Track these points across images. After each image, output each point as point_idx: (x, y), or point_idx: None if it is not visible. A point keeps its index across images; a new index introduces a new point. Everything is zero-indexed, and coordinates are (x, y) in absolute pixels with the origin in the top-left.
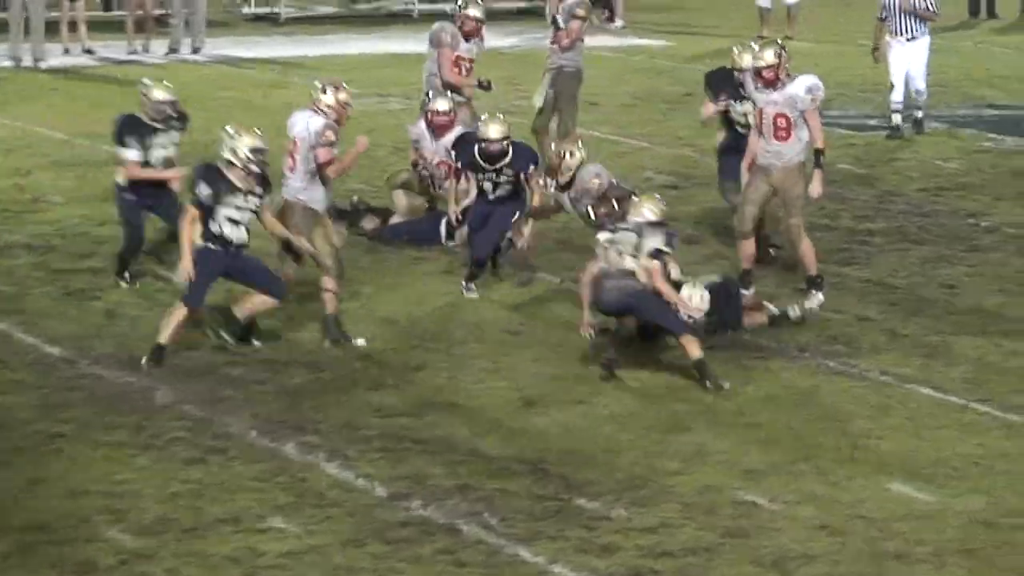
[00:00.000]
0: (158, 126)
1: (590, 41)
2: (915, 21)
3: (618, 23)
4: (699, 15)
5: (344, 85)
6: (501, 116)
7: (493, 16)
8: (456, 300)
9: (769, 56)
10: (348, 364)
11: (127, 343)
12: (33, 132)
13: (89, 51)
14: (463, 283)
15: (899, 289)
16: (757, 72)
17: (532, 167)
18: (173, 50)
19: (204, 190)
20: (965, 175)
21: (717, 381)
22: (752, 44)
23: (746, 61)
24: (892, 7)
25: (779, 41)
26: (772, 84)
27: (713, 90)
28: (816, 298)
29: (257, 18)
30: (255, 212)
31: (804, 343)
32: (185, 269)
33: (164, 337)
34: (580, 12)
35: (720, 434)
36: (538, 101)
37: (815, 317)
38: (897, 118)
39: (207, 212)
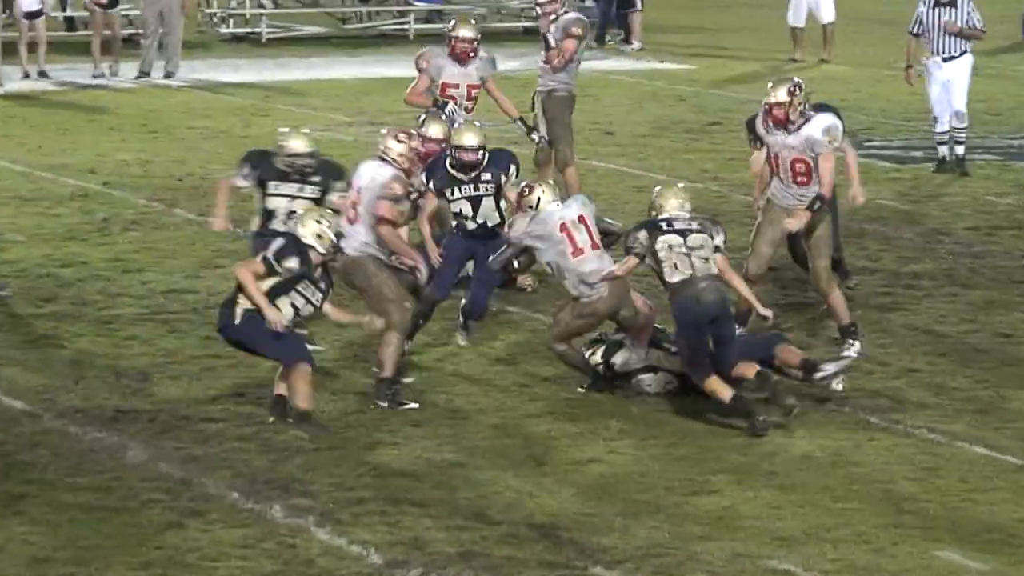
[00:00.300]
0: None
1: (605, 64)
2: (954, 38)
3: (635, 45)
4: (724, 36)
5: (414, 132)
6: (478, 124)
7: (495, 37)
8: (454, 349)
9: (781, 94)
10: (340, 419)
11: (95, 396)
12: None
13: (43, 74)
14: (460, 330)
15: (948, 338)
16: (767, 111)
17: (513, 169)
18: (144, 73)
19: (293, 264)
20: (1021, 212)
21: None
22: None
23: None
24: (928, 21)
25: (796, 79)
26: (783, 124)
27: (756, 136)
28: (852, 348)
29: (236, 39)
30: (315, 307)
31: (844, 397)
32: (275, 320)
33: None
34: (576, 31)
35: (750, 496)
36: (537, 136)
37: (848, 371)
38: (943, 150)
39: (276, 287)
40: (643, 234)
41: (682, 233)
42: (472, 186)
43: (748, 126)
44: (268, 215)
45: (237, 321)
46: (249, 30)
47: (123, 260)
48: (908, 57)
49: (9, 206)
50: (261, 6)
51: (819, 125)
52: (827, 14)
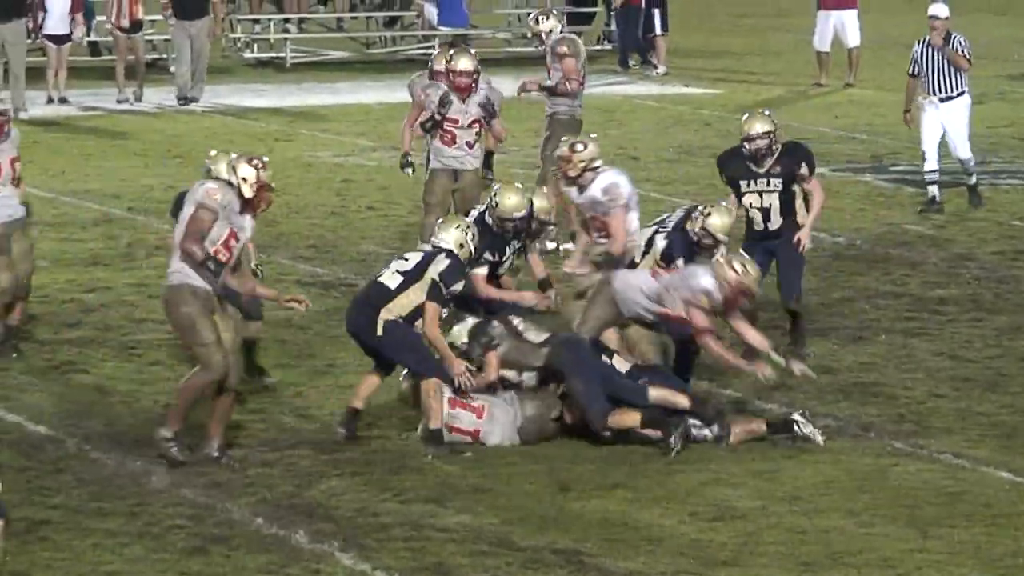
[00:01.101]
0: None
1: (630, 89)
2: (951, 77)
3: (660, 69)
4: (749, 60)
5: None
6: (519, 185)
7: (519, 62)
8: None
9: (563, 150)
10: (363, 444)
11: (119, 421)
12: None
13: (64, 100)
14: None
15: (973, 363)
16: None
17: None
18: (183, 99)
19: (459, 288)
20: None
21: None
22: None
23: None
24: (925, 61)
25: (583, 140)
26: (571, 182)
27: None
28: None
29: (261, 63)
30: None
31: (868, 422)
32: (460, 372)
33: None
34: (563, 49)
35: (775, 521)
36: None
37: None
38: (933, 189)
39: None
40: (496, 324)
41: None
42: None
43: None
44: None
45: (379, 332)
46: (273, 55)
47: (147, 286)
48: (907, 100)
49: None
50: (286, 31)
51: (600, 184)
52: (853, 38)
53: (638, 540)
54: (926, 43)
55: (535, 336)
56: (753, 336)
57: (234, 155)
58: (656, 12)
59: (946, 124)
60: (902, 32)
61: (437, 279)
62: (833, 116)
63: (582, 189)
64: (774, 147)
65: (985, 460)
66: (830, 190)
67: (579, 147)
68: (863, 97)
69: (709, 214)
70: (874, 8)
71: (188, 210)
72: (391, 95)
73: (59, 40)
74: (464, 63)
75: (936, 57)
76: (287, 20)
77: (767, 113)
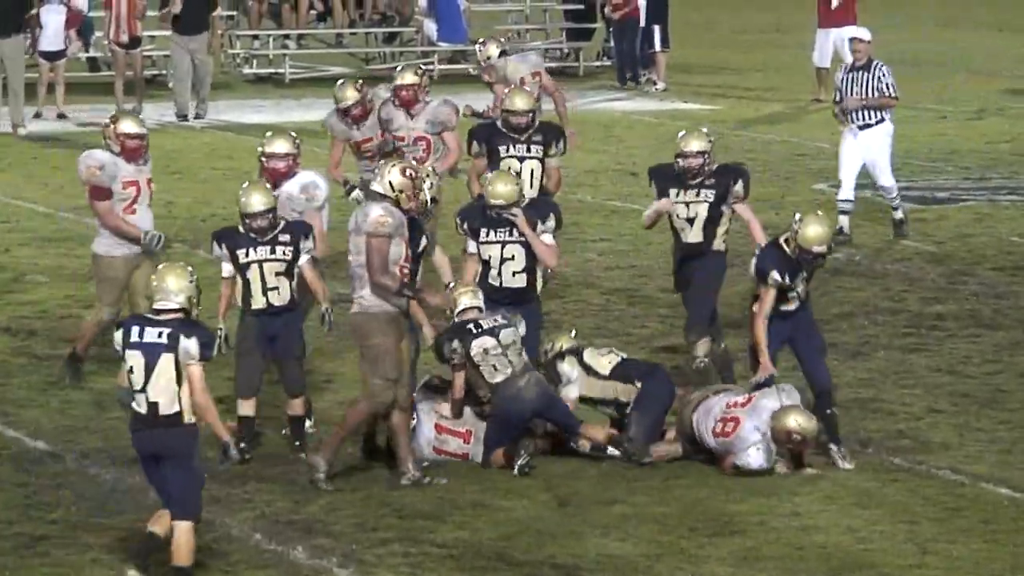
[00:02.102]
0: None
1: (628, 105)
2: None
3: (659, 85)
4: (749, 77)
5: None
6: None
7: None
8: None
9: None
10: (361, 459)
11: (117, 436)
12: (11, 205)
13: (62, 116)
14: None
15: (972, 379)
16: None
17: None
18: (182, 116)
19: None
20: None
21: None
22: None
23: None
24: (844, 87)
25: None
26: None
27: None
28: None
29: (260, 79)
30: None
31: (867, 437)
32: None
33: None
34: (487, 77)
35: (773, 537)
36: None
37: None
38: (844, 220)
39: None
40: (456, 343)
41: (492, 332)
42: (508, 231)
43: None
44: (247, 287)
45: None
46: (272, 71)
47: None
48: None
49: (31, 246)
50: (285, 47)
51: (299, 181)
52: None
53: (636, 556)
54: (846, 69)
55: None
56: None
57: (384, 164)
58: (656, 28)
59: (865, 153)
60: (899, 48)
61: None
62: (832, 132)
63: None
64: (706, 167)
65: (984, 476)
66: (829, 204)
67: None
68: None
69: (800, 226)
70: (870, 25)
71: (357, 241)
72: None
73: (54, 56)
74: (408, 77)
75: (857, 83)
76: (286, 36)
77: (706, 132)
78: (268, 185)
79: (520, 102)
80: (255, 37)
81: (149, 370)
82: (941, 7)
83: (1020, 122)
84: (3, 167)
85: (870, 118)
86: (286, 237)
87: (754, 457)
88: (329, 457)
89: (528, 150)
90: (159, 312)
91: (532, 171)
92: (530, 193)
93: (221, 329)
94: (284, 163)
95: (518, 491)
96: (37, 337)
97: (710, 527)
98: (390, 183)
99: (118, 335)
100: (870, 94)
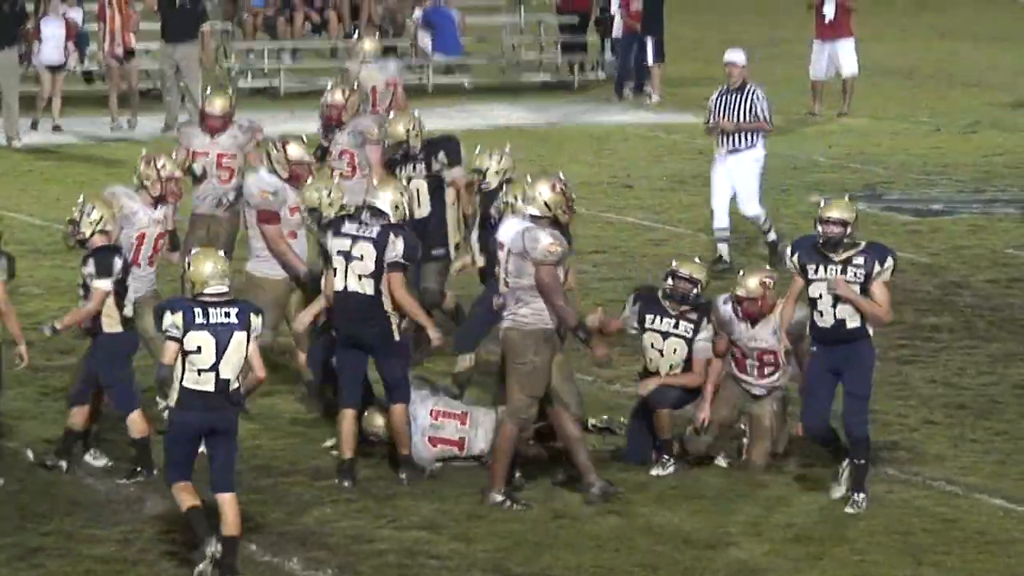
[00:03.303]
0: None
1: (624, 118)
2: (740, 130)
3: (654, 98)
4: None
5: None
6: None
7: (514, 91)
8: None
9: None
10: (357, 471)
11: (112, 447)
12: (6, 217)
13: (57, 128)
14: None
15: (967, 390)
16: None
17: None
18: (170, 127)
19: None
20: None
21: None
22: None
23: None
24: (716, 108)
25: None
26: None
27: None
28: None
29: (255, 92)
30: None
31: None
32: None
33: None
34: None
35: (768, 549)
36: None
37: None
38: (722, 248)
39: None
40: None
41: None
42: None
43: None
44: None
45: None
46: (267, 84)
47: None
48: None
49: (27, 259)
50: (280, 59)
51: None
52: (848, 67)
53: (632, 567)
54: (720, 92)
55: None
56: None
57: (532, 183)
58: (650, 40)
59: (732, 178)
60: (894, 61)
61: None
62: (827, 145)
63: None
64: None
65: (979, 487)
66: None
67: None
68: (856, 126)
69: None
70: (868, 37)
71: (521, 264)
72: None
73: (54, 69)
74: (336, 96)
75: (729, 106)
76: (281, 49)
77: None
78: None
79: (399, 128)
80: (250, 50)
81: (221, 349)
82: (936, 19)
83: (1015, 135)
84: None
85: (739, 143)
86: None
87: None
88: (501, 486)
89: (414, 169)
90: (213, 295)
91: (418, 190)
92: (419, 212)
93: None
94: (336, 112)
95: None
96: (32, 349)
97: (705, 539)
98: (545, 202)
99: (175, 318)
100: (742, 118)
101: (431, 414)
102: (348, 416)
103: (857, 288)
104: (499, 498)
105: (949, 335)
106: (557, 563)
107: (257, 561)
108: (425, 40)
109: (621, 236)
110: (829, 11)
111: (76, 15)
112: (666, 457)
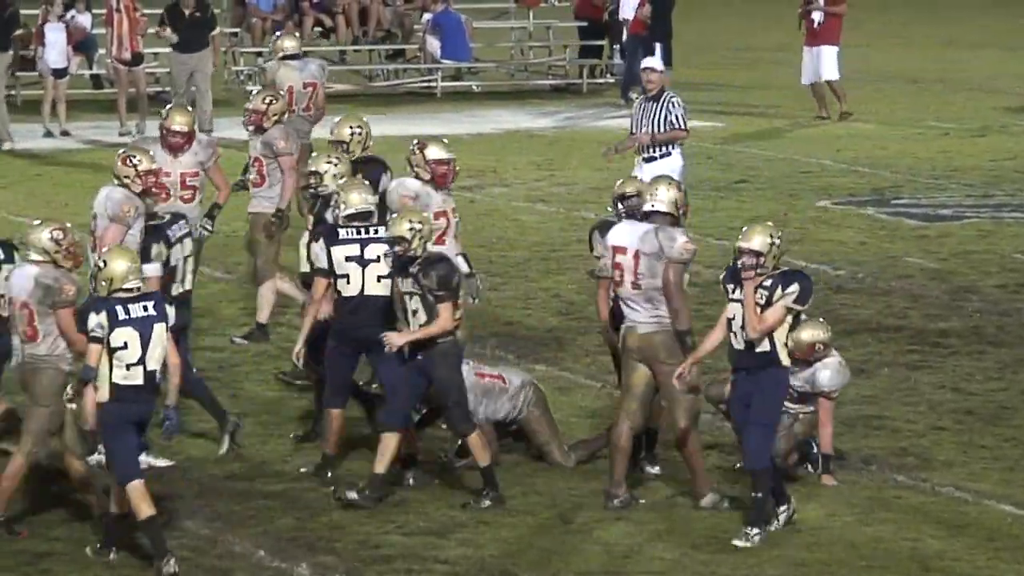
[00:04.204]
0: None
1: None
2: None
3: None
4: (751, 94)
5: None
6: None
7: (522, 95)
8: None
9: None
10: (364, 476)
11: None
12: (14, 223)
13: (65, 133)
14: None
15: (976, 396)
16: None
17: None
18: None
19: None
20: None
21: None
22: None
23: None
24: (638, 117)
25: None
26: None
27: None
28: None
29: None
30: None
31: (870, 455)
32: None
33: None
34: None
35: (776, 554)
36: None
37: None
38: None
39: None
40: None
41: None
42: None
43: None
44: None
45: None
46: None
47: None
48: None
49: None
50: None
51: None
52: (828, 72)
53: (639, 573)
54: (640, 101)
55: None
56: None
57: (654, 182)
58: (658, 46)
59: None
60: (902, 66)
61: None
62: (835, 150)
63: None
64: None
65: (987, 493)
66: (833, 221)
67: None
68: (864, 131)
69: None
70: (875, 43)
71: (654, 264)
72: (393, 128)
73: (58, 74)
74: (255, 102)
75: (647, 115)
76: None
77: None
78: None
79: (344, 130)
80: (258, 54)
81: (146, 342)
82: (942, 27)
83: (1023, 139)
84: (4, 184)
85: (655, 151)
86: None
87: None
88: (703, 489)
89: None
90: (130, 291)
91: None
92: None
93: None
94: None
95: (522, 508)
96: None
97: (713, 544)
98: (674, 201)
99: (100, 318)
100: (659, 126)
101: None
102: (336, 416)
103: (758, 310)
104: (714, 500)
105: (957, 340)
106: (565, 569)
107: (265, 567)
108: (434, 45)
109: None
110: (817, 17)
111: (85, 20)
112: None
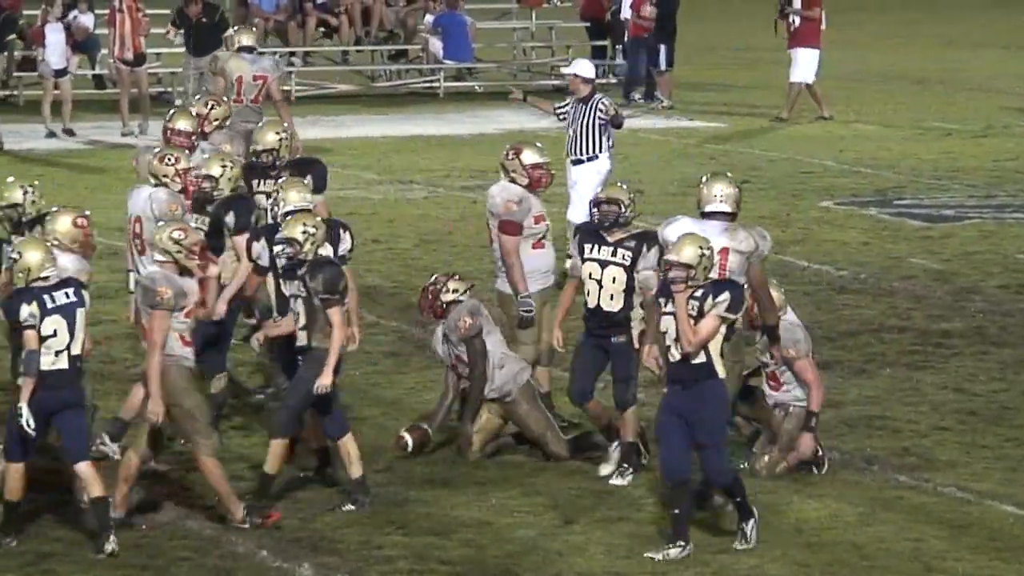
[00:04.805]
0: None
1: (634, 123)
2: (583, 140)
3: (665, 103)
4: (753, 94)
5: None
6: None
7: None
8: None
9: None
10: (368, 478)
11: (124, 453)
12: None
13: (70, 132)
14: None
15: (978, 396)
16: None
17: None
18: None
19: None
20: None
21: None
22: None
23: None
24: (569, 120)
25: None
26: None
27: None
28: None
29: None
30: None
31: (873, 455)
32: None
33: None
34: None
35: (778, 554)
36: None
37: None
38: (569, 263)
39: None
40: None
41: None
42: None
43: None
44: None
45: None
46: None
47: None
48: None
49: None
50: (291, 64)
51: None
52: (799, 75)
53: (642, 574)
54: (571, 103)
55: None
56: None
57: (708, 179)
58: (662, 48)
59: (575, 188)
60: (905, 68)
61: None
62: (837, 150)
63: None
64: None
65: (990, 493)
66: (836, 221)
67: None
68: (867, 131)
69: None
70: (878, 43)
71: (743, 264)
72: (396, 129)
73: (59, 75)
74: (198, 107)
75: (577, 117)
76: (292, 54)
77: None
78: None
79: (268, 136)
80: (261, 55)
81: (71, 328)
82: (944, 27)
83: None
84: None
85: (581, 153)
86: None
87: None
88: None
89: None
90: (47, 279)
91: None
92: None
93: None
94: (187, 140)
95: (524, 509)
96: None
97: (715, 544)
98: (737, 200)
99: (32, 308)
100: (588, 128)
101: None
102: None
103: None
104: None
105: (960, 341)
106: (567, 570)
107: (268, 567)
108: (436, 45)
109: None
110: (795, 20)
111: (87, 20)
112: (625, 465)
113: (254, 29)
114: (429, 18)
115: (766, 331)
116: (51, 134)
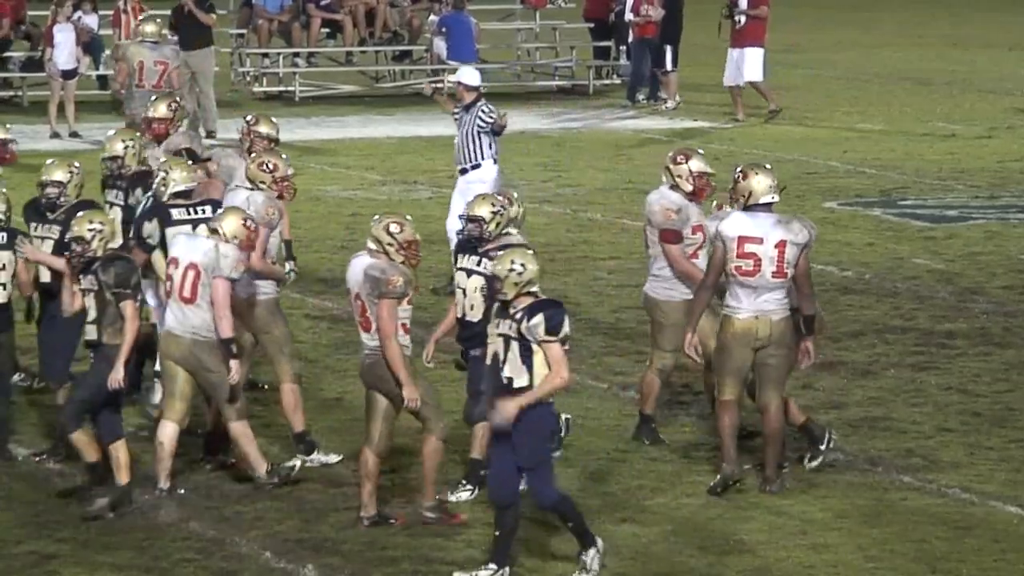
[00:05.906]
0: None
1: (640, 123)
2: (468, 147)
3: (670, 104)
4: (758, 96)
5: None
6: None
7: (529, 96)
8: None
9: None
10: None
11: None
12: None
13: (75, 134)
14: None
15: (982, 397)
16: None
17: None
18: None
19: None
20: None
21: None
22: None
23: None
24: (459, 126)
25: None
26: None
27: None
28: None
29: (269, 97)
30: None
31: (877, 456)
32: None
33: None
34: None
35: (783, 556)
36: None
37: None
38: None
39: None
40: None
41: None
42: None
43: None
44: None
45: None
46: (282, 88)
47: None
48: None
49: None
50: (295, 64)
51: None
52: (751, 73)
53: (647, 574)
54: (460, 108)
55: None
56: None
57: (745, 173)
58: (668, 48)
59: (455, 196)
60: (909, 67)
61: None
62: (842, 151)
63: None
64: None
65: (994, 494)
66: (840, 222)
67: None
68: (871, 132)
69: None
70: (882, 43)
71: (798, 257)
72: (400, 129)
73: (67, 75)
74: (160, 110)
75: (461, 123)
76: (296, 54)
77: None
78: None
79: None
80: (265, 55)
81: None
82: (950, 28)
83: None
84: (12, 186)
85: (465, 161)
86: None
87: None
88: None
89: (118, 196)
90: None
91: (114, 219)
92: (114, 243)
93: None
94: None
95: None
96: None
97: (720, 546)
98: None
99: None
100: (469, 135)
101: None
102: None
103: (517, 346)
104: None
105: (964, 342)
106: (572, 569)
107: (272, 568)
108: (440, 45)
109: (636, 242)
110: (740, 20)
111: (91, 21)
112: (463, 481)
113: (157, 21)
114: (433, 18)
115: (804, 321)
116: (55, 135)
